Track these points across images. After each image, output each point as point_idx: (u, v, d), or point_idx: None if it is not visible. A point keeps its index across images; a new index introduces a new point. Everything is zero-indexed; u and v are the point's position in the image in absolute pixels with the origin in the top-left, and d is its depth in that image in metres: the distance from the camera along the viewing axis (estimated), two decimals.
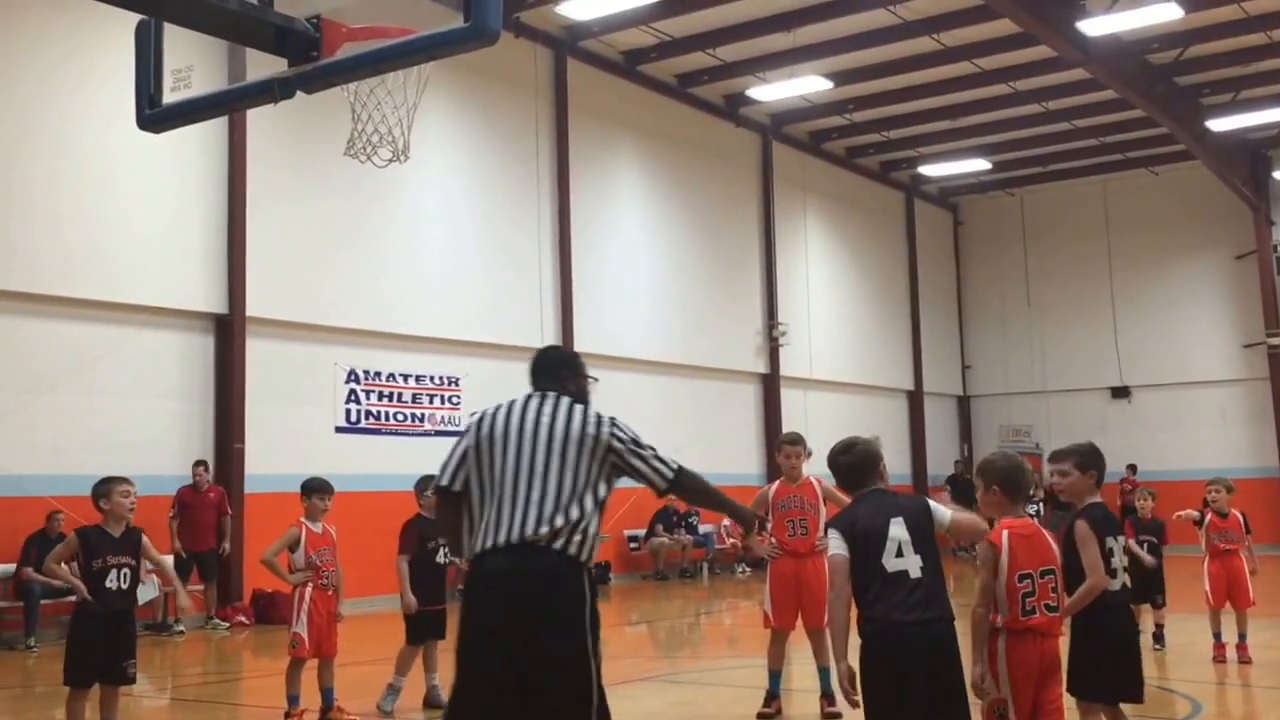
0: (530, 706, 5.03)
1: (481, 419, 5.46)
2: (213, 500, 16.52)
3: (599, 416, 5.37)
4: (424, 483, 9.78)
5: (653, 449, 5.38)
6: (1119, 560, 6.35)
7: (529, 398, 5.48)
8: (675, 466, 5.37)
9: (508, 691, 5.00)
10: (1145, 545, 11.97)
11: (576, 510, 5.12)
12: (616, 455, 5.29)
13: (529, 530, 5.05)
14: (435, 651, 9.83)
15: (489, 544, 5.10)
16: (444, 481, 5.38)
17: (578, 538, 5.10)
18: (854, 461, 5.60)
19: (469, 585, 5.24)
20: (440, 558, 9.79)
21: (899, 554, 5.19)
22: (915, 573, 5.18)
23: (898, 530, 5.24)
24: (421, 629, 9.70)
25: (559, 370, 5.65)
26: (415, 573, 9.68)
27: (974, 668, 5.48)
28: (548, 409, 5.38)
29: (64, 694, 8.09)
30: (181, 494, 16.36)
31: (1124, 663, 6.29)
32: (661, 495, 5.48)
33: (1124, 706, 6.38)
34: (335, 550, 9.38)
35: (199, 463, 16.53)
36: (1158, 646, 12.04)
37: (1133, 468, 29.12)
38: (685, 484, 5.42)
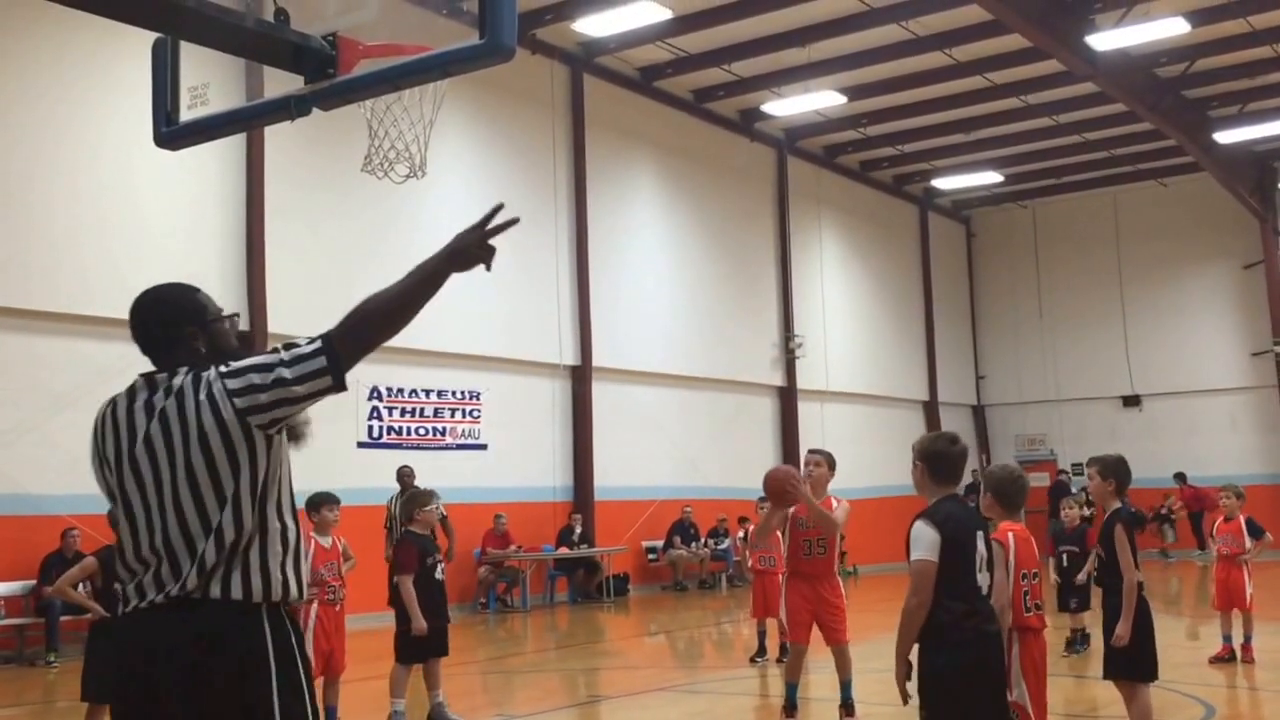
0: None
1: (93, 453, 3.87)
2: None
3: (210, 392, 3.61)
4: (418, 496, 9.94)
5: (280, 361, 3.66)
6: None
7: (132, 398, 3.80)
8: (323, 358, 3.69)
9: None
10: (1065, 556, 12.49)
11: (231, 531, 3.57)
12: (259, 416, 3.62)
13: (170, 585, 3.61)
14: (437, 668, 9.74)
15: (125, 609, 3.71)
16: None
17: (237, 571, 3.57)
18: (960, 455, 5.59)
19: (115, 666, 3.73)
20: (439, 574, 9.72)
21: (980, 569, 5.38)
22: (985, 589, 5.42)
23: (981, 545, 5.42)
24: (419, 648, 9.50)
25: (180, 329, 3.88)
26: (416, 590, 9.45)
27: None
28: (156, 415, 3.69)
29: (83, 710, 8.19)
30: None
31: (1152, 644, 7.33)
32: (341, 389, 3.75)
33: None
34: (342, 563, 9.40)
35: None
36: (1075, 650, 12.33)
37: (1181, 476, 29.15)
38: (351, 352, 3.80)
